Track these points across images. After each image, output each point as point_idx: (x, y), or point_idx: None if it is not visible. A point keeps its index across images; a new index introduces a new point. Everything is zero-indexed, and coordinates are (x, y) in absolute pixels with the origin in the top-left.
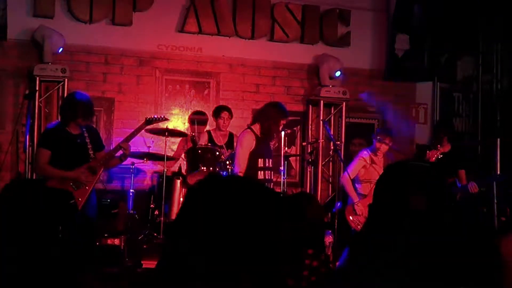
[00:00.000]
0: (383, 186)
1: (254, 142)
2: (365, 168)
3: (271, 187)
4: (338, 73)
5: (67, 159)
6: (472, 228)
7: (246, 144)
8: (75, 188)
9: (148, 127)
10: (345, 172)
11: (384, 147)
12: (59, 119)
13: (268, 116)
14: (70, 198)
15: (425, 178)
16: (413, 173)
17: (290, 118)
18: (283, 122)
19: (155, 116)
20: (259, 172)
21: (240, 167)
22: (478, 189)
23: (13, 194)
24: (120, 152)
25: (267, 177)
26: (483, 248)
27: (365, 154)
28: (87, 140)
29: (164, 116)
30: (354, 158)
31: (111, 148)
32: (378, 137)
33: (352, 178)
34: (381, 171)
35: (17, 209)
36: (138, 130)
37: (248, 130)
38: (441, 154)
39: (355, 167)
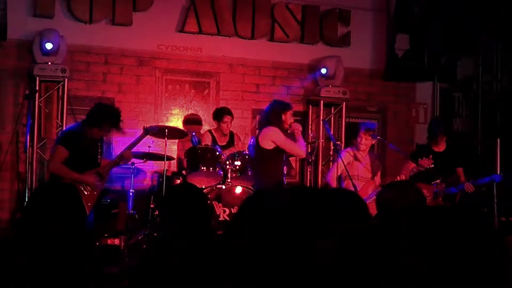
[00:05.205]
0: None
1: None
2: (350, 164)
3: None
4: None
5: (80, 162)
6: (475, 229)
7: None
8: (85, 192)
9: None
10: (330, 170)
11: (364, 141)
12: (81, 121)
13: (271, 115)
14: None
15: None
16: None
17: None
18: (287, 112)
19: (154, 126)
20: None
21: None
22: (474, 188)
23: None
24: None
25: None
26: (491, 249)
27: (349, 150)
28: (99, 150)
29: (162, 126)
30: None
31: (113, 157)
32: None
33: (338, 175)
34: (366, 168)
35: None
36: (138, 140)
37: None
38: (432, 164)
39: (340, 164)
